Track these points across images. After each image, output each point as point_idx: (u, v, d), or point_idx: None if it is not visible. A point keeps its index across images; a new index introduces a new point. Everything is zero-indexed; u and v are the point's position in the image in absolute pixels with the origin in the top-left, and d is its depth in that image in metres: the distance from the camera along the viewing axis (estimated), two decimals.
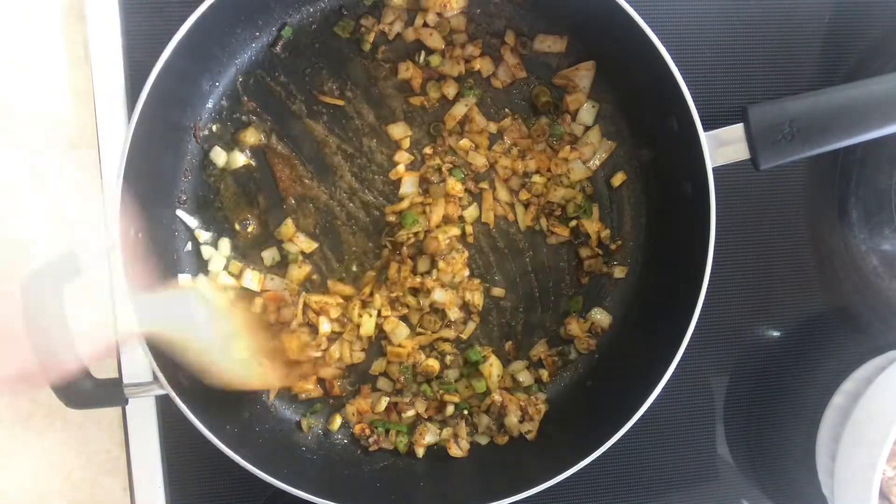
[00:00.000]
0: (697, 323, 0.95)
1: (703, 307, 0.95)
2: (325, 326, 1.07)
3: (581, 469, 0.96)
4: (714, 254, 0.94)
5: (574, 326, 1.12)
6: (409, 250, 1.08)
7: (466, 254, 1.10)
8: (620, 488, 1.16)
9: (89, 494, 1.09)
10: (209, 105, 1.06)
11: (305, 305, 1.07)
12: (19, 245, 0.89)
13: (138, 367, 1.04)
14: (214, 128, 1.06)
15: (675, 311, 0.98)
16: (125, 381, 0.91)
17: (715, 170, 0.94)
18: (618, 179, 1.12)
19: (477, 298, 1.10)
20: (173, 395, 0.91)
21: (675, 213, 1.06)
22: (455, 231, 1.08)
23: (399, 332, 1.08)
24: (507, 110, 1.11)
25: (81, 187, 1.04)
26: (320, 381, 1.10)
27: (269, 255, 1.08)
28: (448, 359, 1.10)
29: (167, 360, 0.91)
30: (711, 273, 0.94)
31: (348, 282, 1.10)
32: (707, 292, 0.94)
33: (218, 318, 1.00)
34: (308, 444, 1.08)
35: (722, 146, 0.95)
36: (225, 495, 1.09)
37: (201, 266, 1.07)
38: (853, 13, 1.15)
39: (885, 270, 1.17)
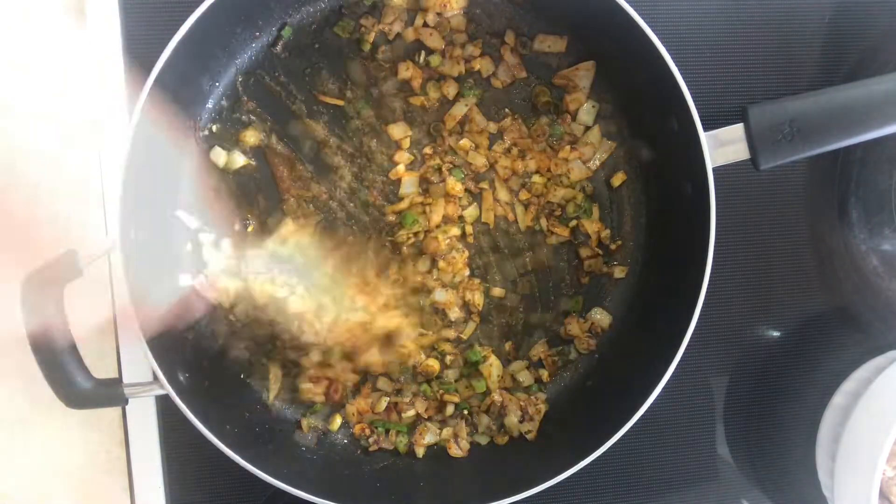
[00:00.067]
0: (697, 323, 0.95)
1: (703, 307, 0.94)
2: None
3: (581, 469, 0.96)
4: (714, 254, 0.94)
5: (574, 326, 1.12)
6: (409, 250, 1.08)
7: (466, 254, 1.10)
8: (620, 488, 1.16)
9: (89, 494, 1.09)
10: (209, 105, 1.06)
11: None
12: (19, 245, 0.89)
13: (138, 367, 1.04)
14: (214, 128, 1.06)
15: (675, 311, 0.98)
16: (125, 381, 0.91)
17: (715, 170, 0.94)
18: (618, 179, 1.12)
19: (477, 298, 1.10)
20: (173, 395, 0.90)
21: (675, 213, 1.06)
22: (455, 231, 1.08)
23: (406, 332, 1.08)
24: (507, 110, 1.11)
25: (81, 187, 1.04)
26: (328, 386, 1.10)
27: None
28: (448, 359, 1.10)
29: (167, 360, 0.91)
30: (711, 273, 0.94)
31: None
32: (707, 292, 0.94)
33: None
34: (308, 444, 1.08)
35: (722, 146, 0.95)
36: (225, 495, 1.09)
37: (201, 266, 1.07)
38: (853, 13, 1.15)
39: (885, 270, 1.17)
